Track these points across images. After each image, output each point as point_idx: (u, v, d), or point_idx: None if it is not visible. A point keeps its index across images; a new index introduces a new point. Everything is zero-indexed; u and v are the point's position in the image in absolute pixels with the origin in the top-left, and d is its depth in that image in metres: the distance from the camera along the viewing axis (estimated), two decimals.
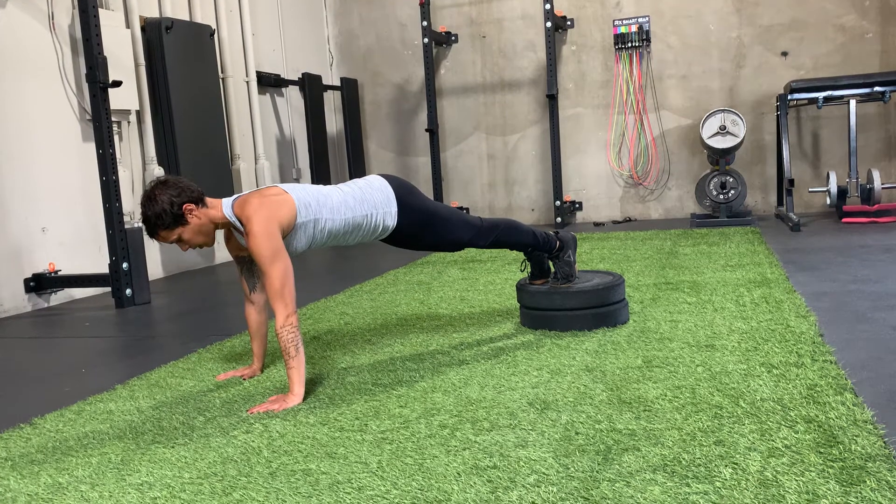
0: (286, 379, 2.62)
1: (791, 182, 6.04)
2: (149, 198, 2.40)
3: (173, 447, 2.04)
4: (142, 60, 5.25)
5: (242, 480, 1.78)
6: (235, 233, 2.54)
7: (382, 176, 2.74)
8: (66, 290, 4.67)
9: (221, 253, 6.13)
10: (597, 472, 1.68)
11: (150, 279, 4.74)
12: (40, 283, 4.49)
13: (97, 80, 4.27)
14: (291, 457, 1.90)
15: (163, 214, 2.38)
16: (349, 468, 1.81)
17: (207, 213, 2.46)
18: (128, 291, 4.37)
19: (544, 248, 3.04)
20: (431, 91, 7.28)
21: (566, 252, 3.06)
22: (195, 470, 1.87)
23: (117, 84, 4.41)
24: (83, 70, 4.41)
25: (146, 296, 4.47)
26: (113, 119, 4.48)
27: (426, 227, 2.75)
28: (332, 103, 7.84)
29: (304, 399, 2.34)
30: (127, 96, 5.03)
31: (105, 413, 2.39)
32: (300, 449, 1.95)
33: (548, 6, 6.78)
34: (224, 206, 2.48)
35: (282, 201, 2.45)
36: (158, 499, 1.72)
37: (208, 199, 2.48)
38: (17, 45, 4.48)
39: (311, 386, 2.49)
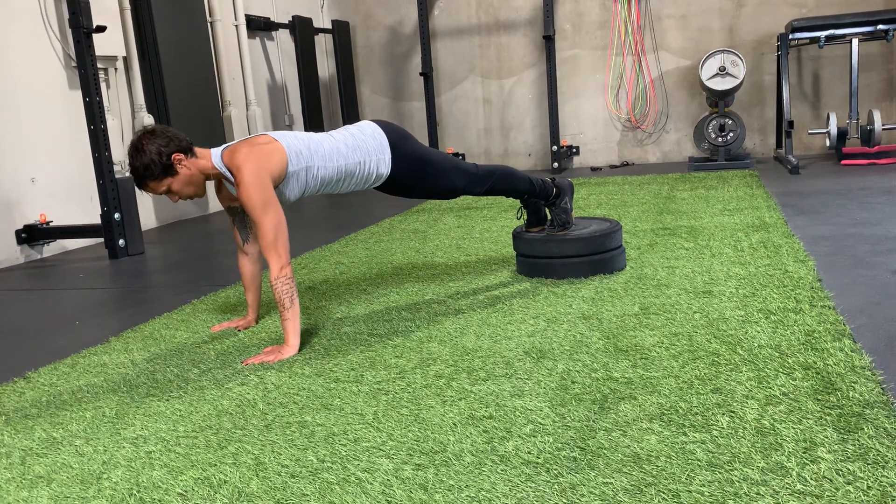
0: (281, 329, 2.60)
1: (790, 124, 5.96)
2: (136, 148, 2.33)
3: (168, 400, 2.03)
4: (127, 4, 5.10)
5: (238, 433, 1.78)
6: (226, 183, 2.49)
7: (375, 122, 2.66)
8: (59, 241, 4.63)
9: (215, 202, 6.06)
10: (593, 421, 1.67)
11: (143, 229, 4.69)
12: (32, 235, 4.45)
13: (80, 25, 4.14)
14: (287, 409, 1.89)
15: (151, 165, 2.32)
16: (345, 420, 1.80)
17: (197, 164, 2.40)
18: (121, 242, 4.33)
19: (541, 195, 2.98)
20: (425, 33, 7.12)
21: (563, 199, 3.02)
22: (190, 423, 1.86)
23: (101, 29, 4.28)
24: (66, 15, 4.29)
25: (139, 246, 4.43)
26: (99, 66, 4.37)
27: (421, 174, 2.68)
28: (323, 47, 7.67)
29: (300, 350, 2.33)
30: (113, 42, 4.90)
31: (99, 366, 2.38)
32: (295, 401, 1.94)
33: None
34: (213, 156, 2.42)
35: (272, 150, 2.39)
36: (153, 452, 1.71)
37: (197, 149, 2.42)
38: None
39: (307, 337, 2.47)
